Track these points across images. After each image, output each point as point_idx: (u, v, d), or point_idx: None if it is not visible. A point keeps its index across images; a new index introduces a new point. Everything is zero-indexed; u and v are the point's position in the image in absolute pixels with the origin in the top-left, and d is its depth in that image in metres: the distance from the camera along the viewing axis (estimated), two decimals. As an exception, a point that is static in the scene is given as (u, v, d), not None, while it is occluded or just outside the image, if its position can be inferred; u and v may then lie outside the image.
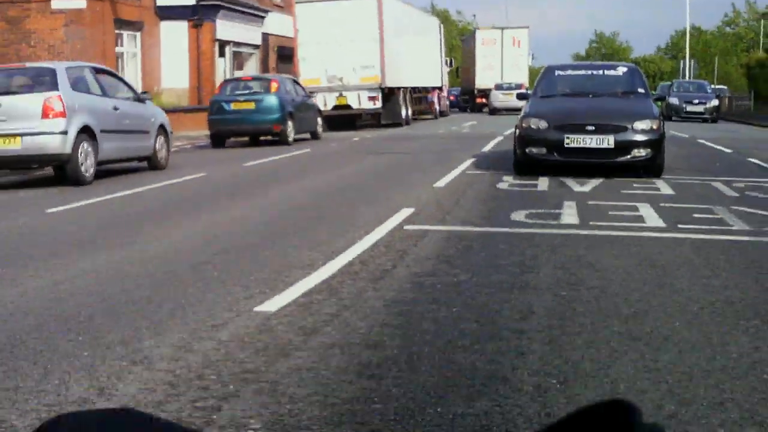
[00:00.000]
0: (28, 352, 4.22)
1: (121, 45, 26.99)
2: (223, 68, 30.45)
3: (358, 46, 26.53)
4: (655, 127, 11.78)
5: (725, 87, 52.76)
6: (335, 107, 26.90)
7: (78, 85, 11.71)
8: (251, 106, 20.39)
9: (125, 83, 13.88)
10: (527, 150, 11.82)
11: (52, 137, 11.17)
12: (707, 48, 73.59)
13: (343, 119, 27.76)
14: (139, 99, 13.61)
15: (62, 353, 4.18)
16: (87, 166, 11.79)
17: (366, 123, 29.71)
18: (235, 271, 5.97)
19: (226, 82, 22.54)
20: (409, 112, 31.04)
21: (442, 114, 38.12)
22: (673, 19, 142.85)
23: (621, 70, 14.03)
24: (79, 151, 11.42)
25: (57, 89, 11.21)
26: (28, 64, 14.25)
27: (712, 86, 41.66)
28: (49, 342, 4.37)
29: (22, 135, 11.05)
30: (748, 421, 3.24)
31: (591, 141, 11.51)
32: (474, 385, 3.60)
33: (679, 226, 7.70)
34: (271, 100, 20.42)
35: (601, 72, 14.01)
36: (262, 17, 33.49)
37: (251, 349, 4.19)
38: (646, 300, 5.05)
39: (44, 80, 11.38)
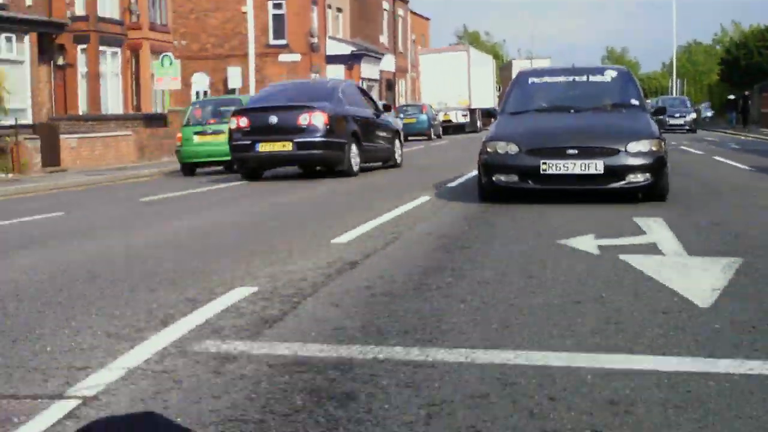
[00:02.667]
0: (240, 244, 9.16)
1: (311, 81, 47.60)
2: (363, 94, 50.95)
3: (456, 82, 47.20)
4: (654, 148, 9.81)
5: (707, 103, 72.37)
6: (443, 121, 47.52)
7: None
8: (413, 120, 41.01)
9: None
10: (494, 178, 10.13)
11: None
12: (695, 67, 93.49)
13: (444, 128, 48.46)
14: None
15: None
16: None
17: (451, 131, 50.29)
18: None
19: (398, 107, 43.34)
20: (481, 123, 51.63)
21: (496, 124, 59.21)
22: (678, 37, 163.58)
23: (610, 75, 11.96)
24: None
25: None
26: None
27: (694, 104, 59.11)
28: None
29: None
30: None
31: (574, 167, 9.68)
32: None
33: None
34: (424, 117, 41.08)
35: (585, 78, 11.94)
36: (380, 59, 54.07)
37: (395, 222, 13.76)
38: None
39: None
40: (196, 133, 19.46)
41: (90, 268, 6.52)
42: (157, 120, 28.83)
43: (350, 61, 49.48)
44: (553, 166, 9.76)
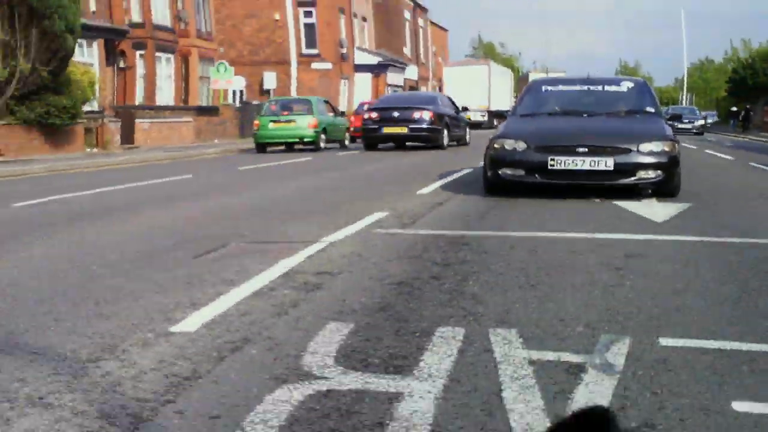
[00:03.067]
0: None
1: (340, 89, 51.14)
2: (388, 101, 54.54)
3: (477, 90, 50.83)
4: (667, 149, 9.79)
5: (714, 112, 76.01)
6: (465, 121, 51.32)
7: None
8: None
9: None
10: (500, 171, 10.13)
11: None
12: (707, 84, 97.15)
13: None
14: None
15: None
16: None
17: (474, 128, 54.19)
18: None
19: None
20: (497, 122, 55.44)
21: (512, 129, 63.45)
22: (690, 51, 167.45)
23: (626, 85, 11.79)
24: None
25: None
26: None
27: (702, 112, 63.23)
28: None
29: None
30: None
31: (583, 163, 9.58)
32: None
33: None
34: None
35: (600, 88, 11.69)
36: (404, 68, 57.65)
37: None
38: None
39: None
40: (272, 121, 24.45)
41: (265, 207, 9.90)
42: (207, 111, 32.44)
43: (377, 70, 53.08)
44: (562, 162, 9.64)
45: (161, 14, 36.35)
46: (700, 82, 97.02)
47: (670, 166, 9.79)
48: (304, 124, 23.64)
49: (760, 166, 16.50)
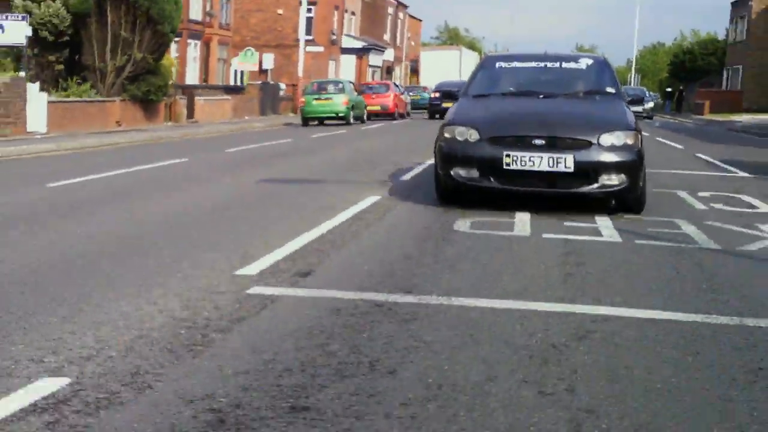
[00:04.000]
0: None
1: (329, 68, 59.84)
2: (369, 80, 63.31)
3: (450, 74, 59.92)
4: (630, 141, 9.36)
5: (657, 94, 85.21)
6: (437, 101, 60.52)
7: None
8: (419, 97, 53.52)
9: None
10: (452, 172, 9.69)
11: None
12: (655, 65, 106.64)
13: (437, 108, 61.58)
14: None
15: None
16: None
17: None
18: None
19: (407, 87, 55.97)
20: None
21: (477, 108, 72.82)
22: (645, 35, 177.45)
23: (585, 62, 11.36)
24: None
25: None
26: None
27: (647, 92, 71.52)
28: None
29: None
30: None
31: (541, 162, 9.19)
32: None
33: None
34: (426, 95, 53.54)
35: (557, 65, 11.24)
36: (383, 51, 66.45)
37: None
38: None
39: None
40: (315, 99, 32.78)
41: (368, 153, 18.64)
42: (233, 90, 41.01)
43: (360, 52, 61.85)
44: (518, 160, 9.26)
45: (195, 10, 44.81)
46: (650, 64, 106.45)
47: (634, 167, 9.32)
48: (339, 102, 32.33)
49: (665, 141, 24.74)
